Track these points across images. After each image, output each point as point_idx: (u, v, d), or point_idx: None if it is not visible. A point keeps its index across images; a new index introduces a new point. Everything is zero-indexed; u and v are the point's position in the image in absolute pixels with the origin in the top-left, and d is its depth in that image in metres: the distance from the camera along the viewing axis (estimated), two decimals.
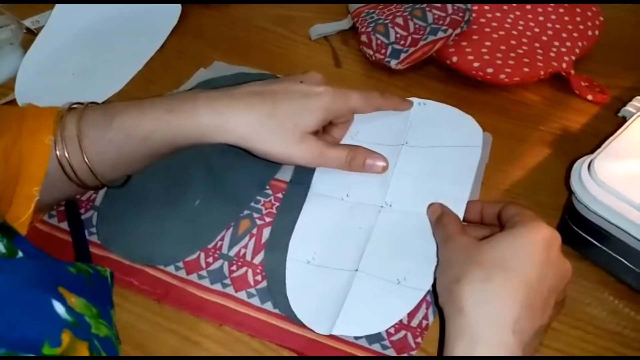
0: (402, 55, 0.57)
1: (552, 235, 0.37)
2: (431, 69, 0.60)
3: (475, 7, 0.61)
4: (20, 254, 0.34)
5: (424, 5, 0.59)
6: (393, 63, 0.57)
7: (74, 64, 0.62)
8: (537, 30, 0.60)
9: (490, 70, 0.55)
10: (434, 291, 0.40)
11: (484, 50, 0.56)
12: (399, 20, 0.59)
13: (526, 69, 0.55)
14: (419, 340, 0.41)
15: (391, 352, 0.40)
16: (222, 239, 0.46)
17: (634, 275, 0.42)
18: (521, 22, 0.60)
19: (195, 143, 0.43)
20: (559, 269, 0.36)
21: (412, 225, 0.44)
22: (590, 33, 0.60)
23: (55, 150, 0.41)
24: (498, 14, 0.61)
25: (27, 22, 0.66)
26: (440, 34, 0.57)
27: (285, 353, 0.41)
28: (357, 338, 0.41)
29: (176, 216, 0.47)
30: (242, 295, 0.43)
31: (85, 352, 0.31)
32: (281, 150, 0.44)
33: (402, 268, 0.42)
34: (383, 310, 0.41)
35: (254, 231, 0.47)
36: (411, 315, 0.41)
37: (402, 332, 0.41)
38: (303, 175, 0.49)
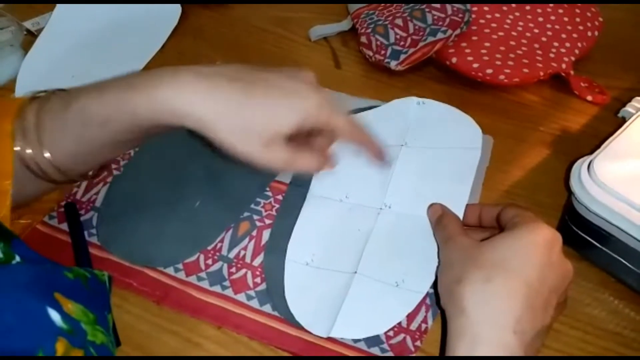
0: (402, 56, 0.57)
1: (553, 236, 0.36)
2: (431, 70, 0.60)
3: (475, 8, 0.61)
4: (17, 258, 0.34)
5: (424, 6, 0.59)
6: (393, 64, 0.57)
7: (74, 66, 0.62)
8: (536, 31, 0.60)
9: (489, 71, 0.55)
10: (435, 292, 0.40)
11: (484, 51, 0.56)
12: (399, 22, 0.59)
13: (526, 70, 0.55)
14: (418, 343, 0.41)
15: (390, 355, 0.40)
16: (221, 241, 0.46)
17: (634, 276, 0.42)
18: (520, 23, 0.60)
19: (153, 126, 0.37)
20: (560, 269, 0.36)
21: (411, 227, 0.44)
22: (589, 34, 0.60)
23: (14, 144, 0.37)
24: (497, 15, 0.61)
25: (28, 24, 0.66)
26: (440, 35, 0.57)
27: (285, 353, 0.41)
28: (355, 341, 0.41)
29: (176, 217, 0.48)
30: (241, 297, 0.43)
31: None
32: (242, 149, 0.37)
33: (401, 270, 0.42)
34: (381, 312, 0.41)
35: (254, 233, 0.47)
36: (410, 318, 0.41)
37: (401, 335, 0.41)
38: (303, 177, 0.49)
